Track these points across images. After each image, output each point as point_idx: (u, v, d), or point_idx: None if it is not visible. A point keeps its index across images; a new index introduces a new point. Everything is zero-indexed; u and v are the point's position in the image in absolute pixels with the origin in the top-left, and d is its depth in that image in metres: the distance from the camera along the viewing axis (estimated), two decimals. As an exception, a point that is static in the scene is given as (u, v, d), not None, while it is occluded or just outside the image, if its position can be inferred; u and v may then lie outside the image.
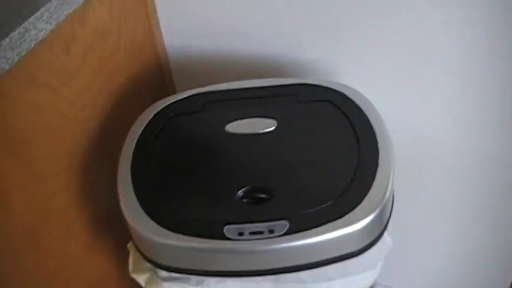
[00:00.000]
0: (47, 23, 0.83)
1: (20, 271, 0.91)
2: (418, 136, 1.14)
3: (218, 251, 0.79)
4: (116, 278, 1.21)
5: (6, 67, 0.76)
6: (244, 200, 0.83)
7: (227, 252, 0.80)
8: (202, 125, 0.97)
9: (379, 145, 0.88)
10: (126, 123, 0.98)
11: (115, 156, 0.92)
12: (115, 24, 1.06)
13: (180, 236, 0.79)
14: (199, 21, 1.17)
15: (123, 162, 0.91)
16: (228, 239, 0.78)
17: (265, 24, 1.11)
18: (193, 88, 1.04)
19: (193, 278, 0.84)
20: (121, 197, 0.86)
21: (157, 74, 1.25)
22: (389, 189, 0.82)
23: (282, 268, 0.81)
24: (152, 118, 0.98)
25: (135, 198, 0.85)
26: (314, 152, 0.90)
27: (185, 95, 1.02)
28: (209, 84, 1.04)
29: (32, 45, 0.80)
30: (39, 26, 0.81)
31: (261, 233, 0.78)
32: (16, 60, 0.77)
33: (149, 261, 0.86)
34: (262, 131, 0.93)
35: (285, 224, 0.78)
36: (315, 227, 0.77)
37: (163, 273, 0.85)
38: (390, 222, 0.87)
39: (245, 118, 0.95)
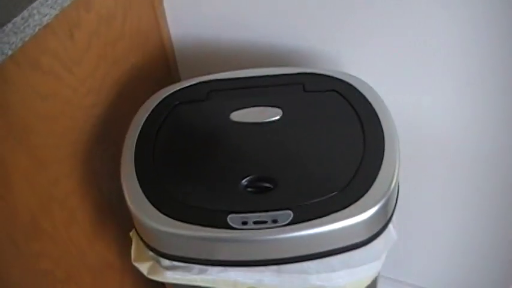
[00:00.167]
0: (51, 7, 0.82)
1: (22, 259, 0.91)
2: (423, 127, 1.13)
3: (221, 240, 0.79)
4: (119, 266, 1.21)
5: (9, 53, 0.75)
6: (248, 189, 0.82)
7: (230, 242, 0.79)
8: (207, 114, 0.96)
9: (385, 135, 0.87)
10: (130, 110, 0.97)
11: (118, 144, 0.92)
12: (120, 9, 1.05)
13: (183, 224, 0.79)
14: (205, 10, 1.16)
15: (126, 150, 0.90)
16: (232, 228, 0.77)
17: (270, 13, 1.10)
18: (197, 76, 1.03)
19: (196, 267, 0.84)
20: (124, 185, 0.85)
21: (162, 63, 1.24)
22: (394, 181, 0.82)
23: (285, 258, 0.81)
24: (156, 106, 0.97)
25: (138, 186, 0.84)
26: (319, 142, 0.89)
27: (190, 83, 1.01)
28: (214, 73, 1.03)
29: (36, 30, 0.79)
30: (43, 11, 0.80)
31: (264, 222, 0.77)
32: (19, 45, 0.77)
33: (152, 249, 0.86)
34: (267, 120, 0.92)
35: (288, 214, 0.78)
36: (319, 217, 0.77)
37: (166, 262, 0.85)
38: (395, 215, 0.86)
39: (250, 107, 0.95)
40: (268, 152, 0.88)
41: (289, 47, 1.13)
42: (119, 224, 1.13)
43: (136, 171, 0.86)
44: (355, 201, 0.78)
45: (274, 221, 0.77)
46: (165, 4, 1.19)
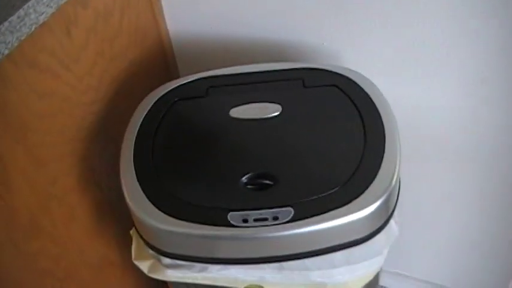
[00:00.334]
0: (47, 6, 0.81)
1: (21, 258, 0.91)
2: (424, 121, 1.13)
3: (222, 238, 0.78)
4: (119, 264, 1.20)
5: (6, 52, 0.75)
6: (248, 187, 0.82)
7: (231, 239, 0.79)
8: (206, 110, 0.96)
9: (385, 130, 0.86)
10: (129, 107, 0.97)
11: (117, 141, 0.91)
12: (118, 5, 1.04)
13: (183, 222, 0.78)
14: (203, 6, 1.16)
15: (125, 148, 0.90)
16: (232, 225, 0.77)
17: (269, 8, 1.09)
18: (196, 73, 1.02)
19: (197, 265, 0.83)
20: (123, 183, 0.85)
21: (161, 59, 1.24)
22: (395, 176, 0.81)
23: (286, 255, 0.80)
24: (155, 103, 0.96)
25: (137, 184, 0.84)
26: (319, 138, 0.88)
27: (188, 80, 1.01)
28: (213, 69, 1.02)
29: (32, 29, 0.79)
30: (39, 9, 0.79)
31: (265, 219, 0.77)
32: (16, 44, 0.76)
33: (152, 248, 0.85)
34: (267, 116, 0.91)
35: (289, 211, 0.77)
36: (320, 213, 0.77)
37: (167, 260, 0.85)
38: (396, 210, 0.86)
39: (249, 103, 0.94)
40: (268, 149, 0.88)
41: (288, 42, 1.12)
42: (119, 221, 1.13)
43: (135, 169, 0.86)
44: (356, 197, 0.78)
45: (275, 218, 0.77)
46: (163, 0, 1.18)
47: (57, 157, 0.95)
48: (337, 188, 0.79)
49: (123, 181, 0.85)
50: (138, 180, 0.84)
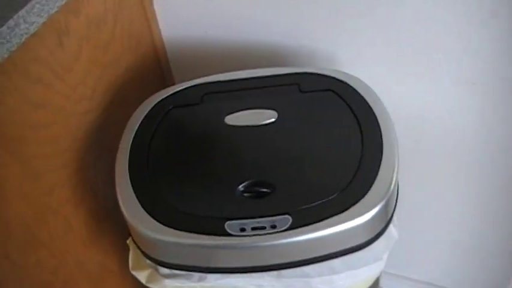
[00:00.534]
0: (38, 15, 0.80)
1: (18, 271, 0.90)
2: (422, 124, 1.12)
3: (220, 247, 0.77)
4: (118, 273, 1.19)
5: (-3, 63, 0.74)
6: (245, 195, 0.81)
7: (229, 249, 0.78)
8: (201, 118, 0.95)
9: (383, 135, 0.86)
10: (124, 115, 0.96)
11: (113, 150, 0.90)
12: (110, 12, 1.03)
13: (180, 232, 0.78)
14: (197, 11, 1.15)
15: (120, 157, 0.89)
16: (230, 235, 0.76)
17: (264, 12, 1.08)
18: (191, 79, 1.01)
19: (195, 274, 0.82)
20: (119, 194, 0.84)
21: (155, 65, 1.23)
22: (394, 181, 0.80)
23: (285, 263, 0.80)
24: (150, 111, 0.95)
25: (133, 194, 0.83)
26: (316, 144, 0.88)
27: (183, 87, 1.00)
28: (208, 75, 1.01)
29: (23, 39, 0.78)
30: (29, 20, 0.78)
31: (263, 228, 0.76)
32: (7, 55, 0.75)
33: (149, 258, 0.85)
34: (262, 123, 0.90)
35: (287, 219, 0.76)
36: (319, 221, 0.76)
37: (165, 270, 0.84)
38: (395, 215, 0.85)
39: (245, 109, 0.93)
40: (264, 156, 0.87)
41: (283, 46, 1.12)
42: (116, 230, 1.12)
43: (130, 178, 0.85)
44: (355, 203, 0.77)
45: (273, 227, 0.76)
46: (156, 6, 1.17)
47: (52, 168, 0.94)
48: (335, 195, 0.78)
49: (118, 191, 0.84)
50: (133, 190, 0.83)
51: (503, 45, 0.94)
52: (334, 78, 0.97)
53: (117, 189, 0.85)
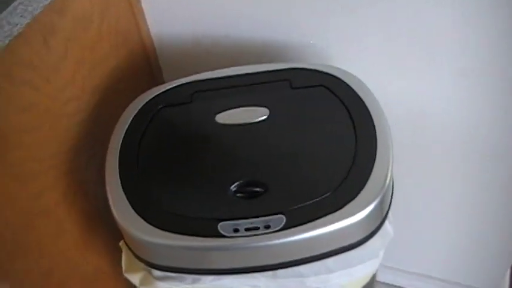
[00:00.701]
0: (21, 16, 0.79)
1: (11, 275, 0.88)
2: (416, 118, 1.11)
3: (213, 249, 0.77)
4: (112, 275, 1.18)
5: (-20, 66, 0.72)
6: (238, 195, 0.80)
7: (223, 250, 0.77)
8: (192, 117, 0.93)
9: (377, 131, 0.85)
10: (114, 115, 0.94)
11: (103, 151, 0.89)
12: (96, 10, 1.01)
13: (172, 235, 0.77)
14: (185, 7, 1.13)
15: (110, 159, 0.87)
16: (223, 236, 0.75)
17: (252, 7, 1.07)
18: (181, 77, 1.00)
19: (189, 276, 0.81)
20: (109, 196, 0.83)
21: (144, 63, 1.21)
22: (389, 177, 0.79)
23: (280, 263, 0.79)
24: (139, 111, 0.94)
25: (124, 196, 0.82)
26: (309, 141, 0.87)
27: (172, 85, 0.98)
28: (198, 71, 1.00)
29: (7, 42, 0.76)
30: (13, 21, 0.76)
31: (256, 228, 0.75)
32: (-10, 58, 0.74)
33: (142, 261, 0.84)
34: (254, 121, 0.89)
35: (281, 219, 0.75)
36: (313, 220, 0.75)
37: (158, 273, 0.83)
38: (390, 211, 0.84)
39: (236, 107, 0.92)
40: (256, 155, 0.86)
41: (273, 41, 1.10)
42: (109, 231, 1.10)
43: (121, 181, 0.84)
44: (349, 201, 0.76)
45: (267, 227, 0.75)
46: (143, 2, 1.15)
47: (41, 171, 0.92)
48: (329, 193, 0.78)
49: (109, 194, 0.83)
50: (124, 192, 0.82)
51: (500, 37, 0.94)
52: (326, 73, 0.96)
53: (108, 192, 0.83)
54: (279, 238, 0.74)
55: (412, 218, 1.32)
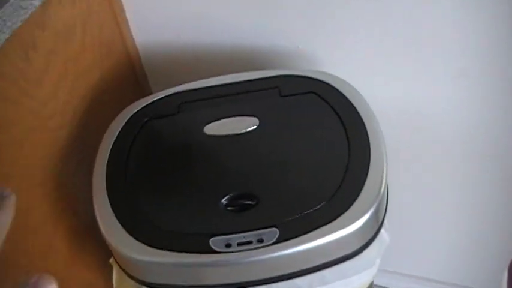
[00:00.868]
0: (0, 31, 0.76)
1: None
2: (409, 122, 1.10)
3: (205, 265, 0.74)
4: (103, 289, 1.16)
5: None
6: (229, 208, 0.78)
7: (215, 266, 0.75)
8: (179, 129, 0.91)
9: (370, 138, 0.83)
10: (100, 129, 0.92)
11: (90, 165, 0.87)
12: (78, 21, 0.99)
13: (163, 252, 0.74)
14: (170, 14, 1.11)
15: (97, 174, 0.85)
16: (215, 252, 0.73)
17: (237, 13, 1.05)
18: (168, 85, 0.98)
19: (182, 293, 0.79)
20: (97, 214, 0.81)
21: (130, 73, 1.19)
22: (383, 185, 0.78)
23: (274, 277, 0.77)
24: (125, 125, 0.92)
25: (112, 213, 0.80)
26: (301, 151, 0.85)
27: (158, 97, 0.96)
28: (185, 79, 0.98)
29: (-15, 58, 0.74)
30: (-8, 36, 0.74)
31: (249, 243, 0.73)
32: (-31, 76, 0.71)
33: (133, 278, 0.81)
34: (243, 131, 0.87)
35: (274, 232, 0.74)
36: (307, 232, 0.73)
37: (150, 290, 0.80)
38: (386, 218, 0.82)
39: (224, 118, 0.90)
40: (247, 166, 0.84)
41: (261, 47, 1.08)
42: (99, 246, 1.08)
43: (109, 196, 0.82)
44: (344, 211, 0.75)
45: (260, 241, 0.73)
46: (127, 10, 1.13)
47: (26, 188, 0.90)
48: (323, 203, 0.76)
49: (96, 211, 0.81)
50: (112, 209, 0.80)
51: (492, 39, 0.92)
52: (315, 79, 0.94)
53: (95, 209, 0.81)
54: (273, 252, 0.72)
55: (411, 223, 1.32)
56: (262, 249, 0.72)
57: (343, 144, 0.82)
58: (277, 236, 0.73)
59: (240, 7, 1.04)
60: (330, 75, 0.94)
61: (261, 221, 0.75)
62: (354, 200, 0.75)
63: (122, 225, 0.78)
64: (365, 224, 0.75)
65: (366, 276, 0.84)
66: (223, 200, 0.78)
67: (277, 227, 0.74)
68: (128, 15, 1.14)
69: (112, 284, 0.88)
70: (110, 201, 0.81)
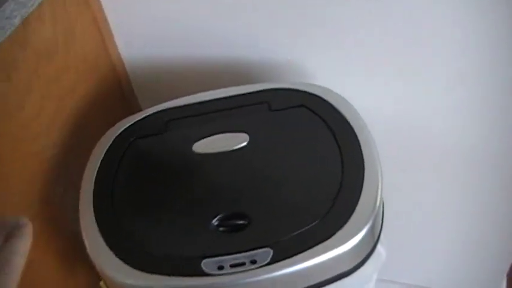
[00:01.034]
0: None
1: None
2: (402, 132, 1.09)
3: (197, 288, 0.72)
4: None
5: None
6: (220, 229, 0.76)
7: (208, 289, 0.73)
8: (167, 147, 0.89)
9: (363, 150, 0.81)
10: (87, 149, 0.90)
11: (76, 186, 0.85)
12: (61, 38, 0.96)
13: (153, 276, 0.72)
14: (156, 28, 1.09)
15: (84, 197, 0.83)
16: (207, 274, 0.71)
17: (225, 26, 1.03)
18: (156, 100, 0.96)
19: (175, 317, 0.77)
20: (85, 237, 0.79)
21: (117, 89, 1.16)
22: (379, 200, 0.76)
23: (270, 298, 0.75)
24: (111, 146, 0.89)
25: (99, 236, 0.78)
26: (293, 167, 0.83)
27: (145, 115, 0.94)
28: (172, 93, 0.97)
29: (-35, 80, 0.71)
30: (-29, 57, 0.72)
31: (242, 264, 0.71)
32: None
33: (124, 302, 0.79)
34: (233, 148, 0.85)
35: (268, 252, 0.72)
36: (301, 252, 0.71)
37: (142, 315, 0.78)
38: (382, 233, 0.81)
39: (213, 135, 0.88)
40: (238, 185, 0.82)
41: (249, 60, 1.07)
42: (90, 268, 1.06)
43: (96, 219, 0.80)
44: (339, 229, 0.73)
45: (253, 262, 0.71)
46: (112, 24, 1.11)
47: (12, 213, 0.87)
48: (316, 221, 0.74)
49: (84, 234, 0.79)
50: (100, 233, 0.78)
51: (486, 45, 0.91)
52: (305, 92, 0.92)
53: (83, 233, 0.79)
54: (266, 273, 0.70)
55: (406, 230, 1.30)
56: (255, 270, 0.70)
57: (336, 159, 0.81)
58: (270, 256, 0.71)
59: (228, 20, 1.03)
60: (321, 87, 0.92)
61: (254, 241, 0.73)
62: (349, 216, 0.73)
63: (110, 248, 0.76)
64: (361, 241, 0.73)
65: (363, 292, 0.82)
66: (214, 220, 0.76)
67: (270, 247, 0.72)
68: (113, 29, 1.11)
69: (103, 307, 0.86)
70: (98, 226, 0.79)
